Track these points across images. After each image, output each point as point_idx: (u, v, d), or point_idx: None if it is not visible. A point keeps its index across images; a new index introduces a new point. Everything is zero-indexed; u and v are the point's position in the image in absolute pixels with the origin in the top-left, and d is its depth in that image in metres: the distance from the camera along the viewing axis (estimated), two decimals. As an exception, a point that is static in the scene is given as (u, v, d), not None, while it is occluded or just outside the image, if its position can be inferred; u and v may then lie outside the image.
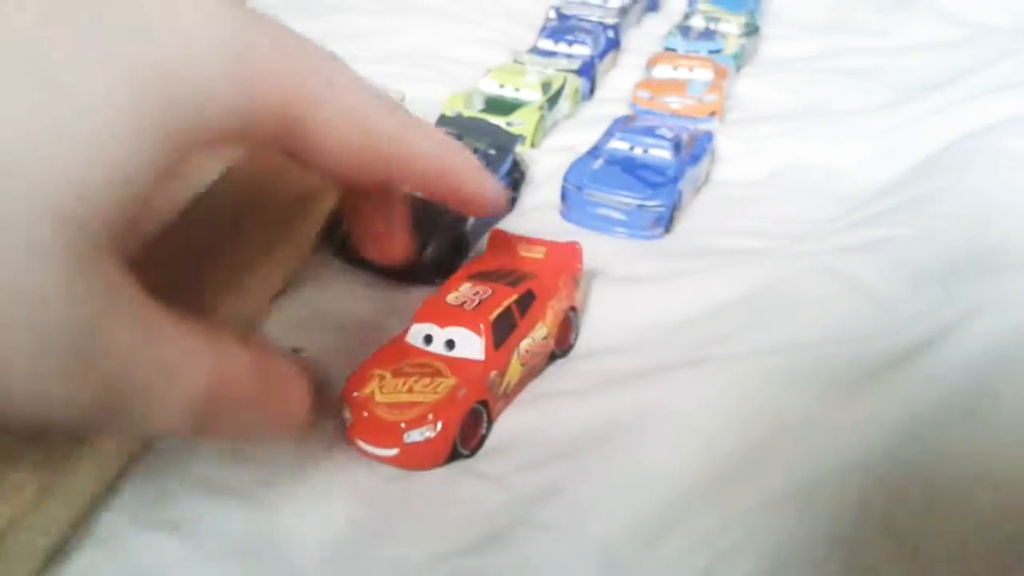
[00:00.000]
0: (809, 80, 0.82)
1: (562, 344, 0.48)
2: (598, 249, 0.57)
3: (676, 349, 0.47)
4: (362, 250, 0.42)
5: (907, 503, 0.37)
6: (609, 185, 0.58)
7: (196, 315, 0.30)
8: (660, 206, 0.57)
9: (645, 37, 0.91)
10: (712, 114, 0.71)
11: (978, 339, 0.46)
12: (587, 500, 0.39)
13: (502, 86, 0.72)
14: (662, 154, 0.61)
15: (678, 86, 0.74)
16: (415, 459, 0.40)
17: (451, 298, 0.45)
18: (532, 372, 0.46)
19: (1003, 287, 0.50)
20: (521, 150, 0.66)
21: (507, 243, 0.51)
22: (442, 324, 0.43)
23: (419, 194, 0.54)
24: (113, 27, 0.25)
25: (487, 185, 0.40)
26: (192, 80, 0.26)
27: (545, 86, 0.72)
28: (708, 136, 0.65)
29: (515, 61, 0.78)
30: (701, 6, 0.92)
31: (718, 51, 0.81)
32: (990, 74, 0.78)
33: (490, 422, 0.43)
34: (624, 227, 0.58)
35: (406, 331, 0.44)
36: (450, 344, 0.43)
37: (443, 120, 0.66)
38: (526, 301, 0.46)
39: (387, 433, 0.40)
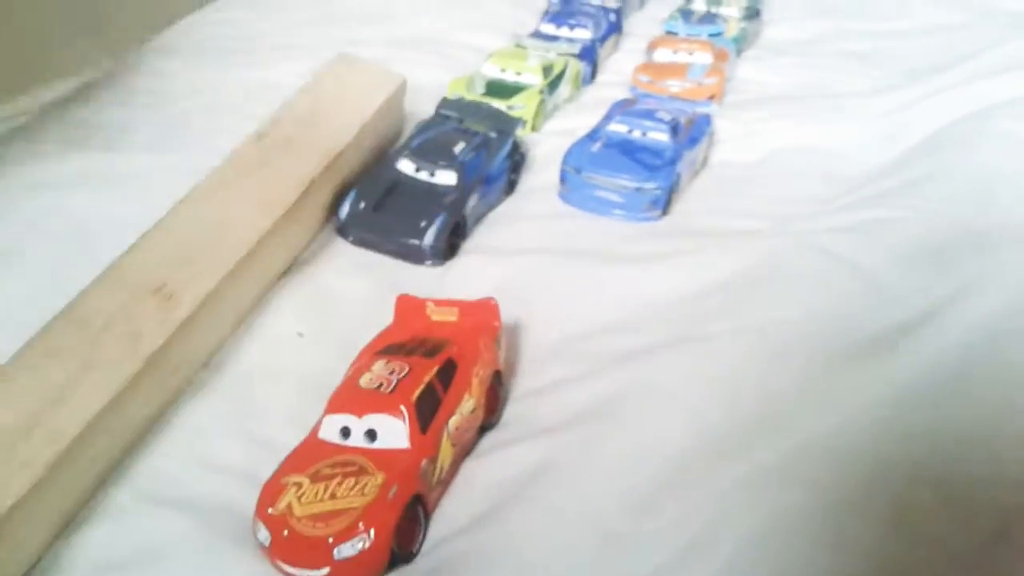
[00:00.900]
0: (809, 63, 0.82)
1: (491, 414, 0.44)
2: (596, 230, 0.58)
3: (668, 327, 0.48)
4: None
5: (892, 473, 0.38)
6: (607, 168, 0.59)
7: None
8: (657, 189, 0.58)
9: (647, 21, 0.92)
10: (711, 97, 0.72)
11: (973, 314, 0.47)
12: (580, 475, 0.40)
13: (503, 70, 0.73)
14: (660, 137, 0.61)
15: (678, 70, 0.75)
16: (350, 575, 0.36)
17: (364, 381, 0.40)
18: (464, 451, 0.42)
19: (1002, 264, 0.51)
20: (522, 133, 0.67)
21: (416, 308, 0.46)
22: (360, 413, 0.39)
23: (423, 176, 0.55)
24: None
25: None
26: None
27: (546, 70, 0.73)
28: (706, 119, 0.66)
29: (517, 45, 0.78)
30: (703, -11, 0.92)
31: (719, 34, 0.82)
32: (990, 57, 0.78)
33: (428, 518, 0.39)
34: (622, 209, 0.59)
35: (318, 426, 0.40)
36: (371, 435, 0.39)
37: (445, 103, 0.67)
38: (448, 372, 0.41)
39: (314, 551, 0.35)
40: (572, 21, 0.82)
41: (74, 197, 0.55)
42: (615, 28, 0.85)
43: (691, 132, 0.64)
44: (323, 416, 0.40)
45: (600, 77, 0.81)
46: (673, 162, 0.60)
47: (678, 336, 0.48)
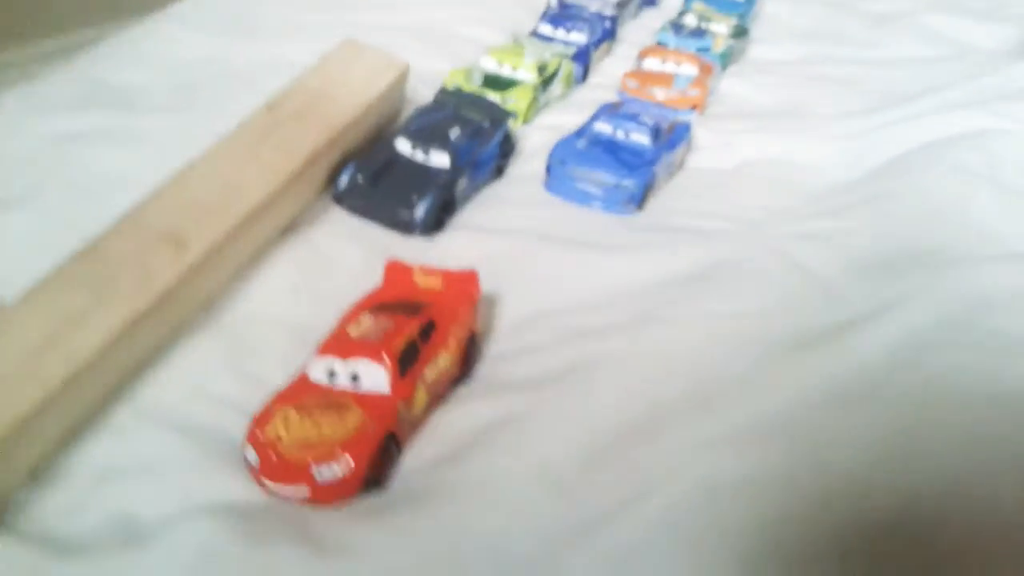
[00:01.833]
0: (790, 83, 0.87)
1: (464, 370, 0.49)
2: (575, 219, 0.63)
3: (633, 310, 0.53)
4: None
5: (815, 455, 0.43)
6: (590, 163, 0.64)
7: None
8: (634, 186, 0.63)
9: (641, 29, 0.96)
10: (694, 107, 0.77)
11: (905, 324, 0.52)
12: (537, 430, 0.44)
13: (501, 64, 0.77)
14: (641, 139, 0.66)
15: (665, 79, 0.79)
16: (327, 496, 0.40)
17: (353, 330, 0.45)
18: (437, 400, 0.47)
19: (939, 281, 0.56)
20: (514, 125, 0.72)
21: (404, 274, 0.50)
22: (345, 357, 0.43)
23: (419, 156, 0.60)
24: None
25: None
26: None
27: (541, 68, 0.77)
28: (686, 126, 0.71)
29: (515, 42, 0.83)
30: (695, 5, 0.97)
31: (707, 49, 0.86)
32: (954, 92, 0.83)
33: (400, 452, 0.43)
34: (601, 202, 0.63)
35: (308, 367, 0.44)
36: (355, 378, 0.43)
37: (444, 93, 0.71)
38: (428, 330, 0.46)
39: (296, 472, 0.40)
40: (569, 24, 0.87)
41: (93, 150, 0.59)
42: (609, 34, 0.90)
43: (671, 137, 0.68)
44: (312, 357, 0.44)
45: (592, 79, 0.85)
46: (651, 163, 0.64)
47: (642, 318, 0.52)
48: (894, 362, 0.49)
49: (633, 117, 0.68)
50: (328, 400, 0.42)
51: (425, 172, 0.62)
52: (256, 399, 0.43)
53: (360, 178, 0.61)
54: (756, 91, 0.85)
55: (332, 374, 0.43)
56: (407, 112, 0.69)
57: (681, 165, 0.71)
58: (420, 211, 0.59)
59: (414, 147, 0.63)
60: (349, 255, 0.56)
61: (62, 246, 0.47)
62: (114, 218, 0.49)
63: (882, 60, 0.97)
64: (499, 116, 0.69)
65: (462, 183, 0.62)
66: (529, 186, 0.66)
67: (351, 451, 0.40)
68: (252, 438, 0.41)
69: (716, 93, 0.84)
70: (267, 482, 0.40)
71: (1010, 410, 0.48)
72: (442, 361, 0.46)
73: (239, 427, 0.42)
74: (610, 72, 0.86)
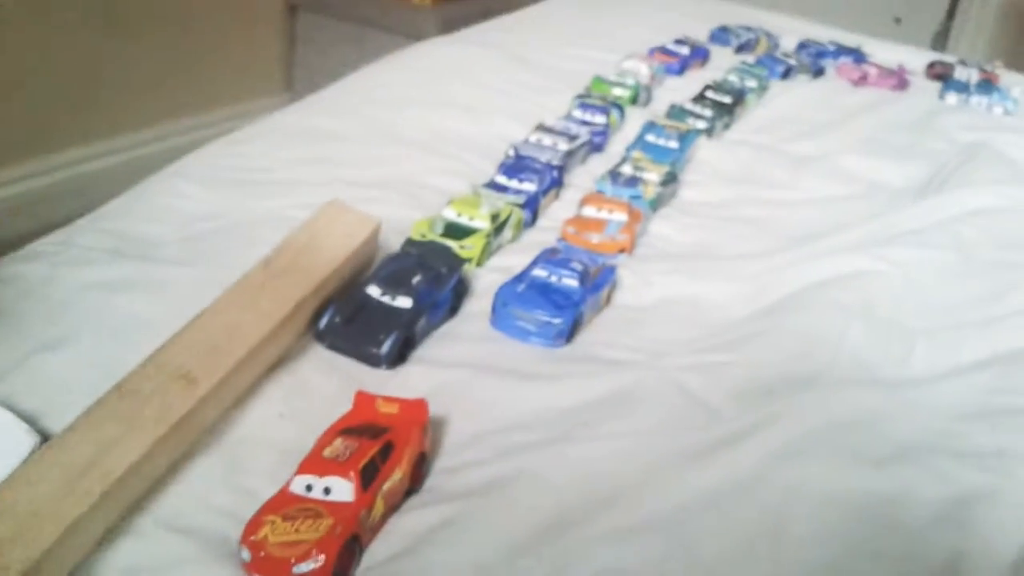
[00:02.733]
0: (709, 225, 1.01)
1: (415, 483, 0.61)
2: (514, 352, 0.76)
3: (556, 430, 0.66)
4: None
5: (694, 551, 0.56)
6: (527, 305, 0.77)
7: None
8: (563, 323, 0.76)
9: (587, 175, 1.11)
10: (622, 251, 0.91)
11: (771, 441, 0.65)
12: (470, 529, 0.57)
13: (459, 215, 0.91)
14: (571, 283, 0.80)
15: (599, 225, 0.94)
16: None
17: (327, 452, 0.57)
18: (392, 508, 0.59)
19: (803, 406, 0.69)
20: (468, 268, 0.86)
21: (369, 402, 0.63)
22: (320, 474, 0.55)
23: (380, 296, 0.73)
24: None
25: None
26: None
27: (494, 216, 0.92)
28: (611, 270, 0.85)
29: (474, 193, 0.97)
30: (634, 154, 1.12)
31: (638, 197, 1.01)
32: (850, 234, 0.98)
33: (361, 551, 0.55)
34: (536, 336, 0.77)
35: (290, 482, 0.56)
36: (327, 490, 0.55)
37: (409, 243, 0.85)
38: (386, 450, 0.58)
39: (280, 568, 0.51)
40: (521, 175, 1.01)
41: (119, 299, 0.72)
42: (556, 182, 1.04)
43: (597, 280, 0.82)
44: (294, 475, 0.57)
45: (540, 223, 0.99)
46: (578, 304, 0.78)
47: (560, 437, 0.65)
48: (760, 473, 0.62)
49: (565, 263, 0.82)
50: (305, 509, 0.54)
51: (391, 313, 0.75)
52: (249, 508, 0.55)
53: (337, 319, 0.74)
54: (680, 233, 0.99)
55: (309, 487, 0.56)
56: (379, 259, 0.83)
57: (608, 301, 0.84)
58: (386, 347, 0.72)
59: (383, 292, 0.76)
60: (327, 385, 0.69)
61: (96, 383, 0.60)
62: (138, 358, 0.62)
63: (796, 201, 1.11)
64: (455, 263, 0.83)
65: (422, 322, 0.76)
66: (478, 323, 0.79)
67: (323, 550, 0.52)
68: (245, 540, 0.53)
69: (646, 235, 0.98)
70: (255, 575, 0.52)
71: (859, 514, 0.61)
72: (397, 476, 0.58)
73: (235, 531, 0.54)
74: (556, 216, 0.99)
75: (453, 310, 0.81)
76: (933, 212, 1.02)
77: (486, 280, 0.85)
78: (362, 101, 1.21)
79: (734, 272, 0.90)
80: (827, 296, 0.84)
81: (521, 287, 0.80)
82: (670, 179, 1.07)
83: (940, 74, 1.64)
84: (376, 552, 0.56)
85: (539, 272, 0.81)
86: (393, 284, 0.77)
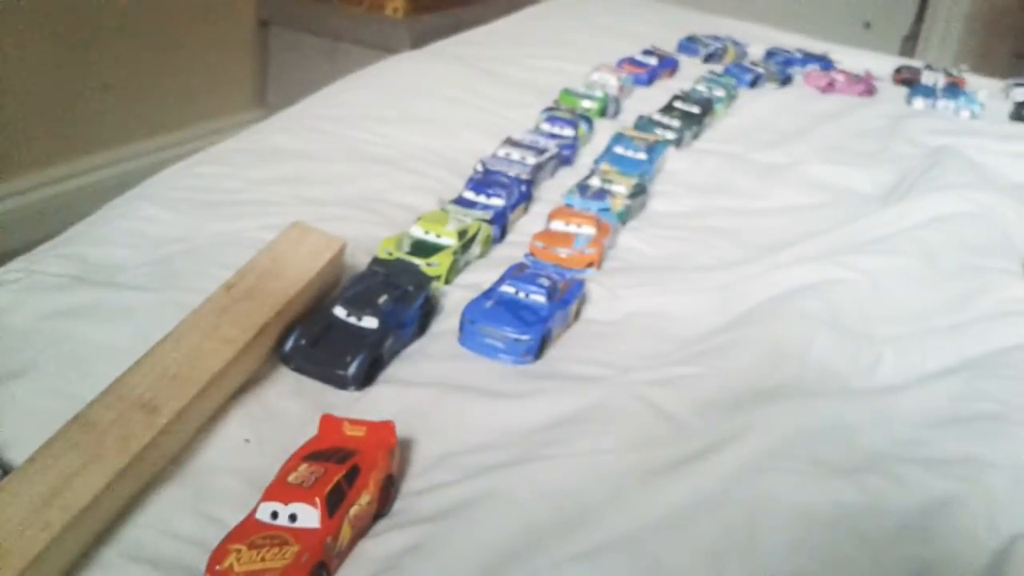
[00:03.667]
0: (678, 236, 1.02)
1: (383, 507, 0.61)
2: (482, 370, 0.76)
3: (522, 448, 0.66)
4: None
5: (663, 565, 0.56)
6: (495, 322, 0.77)
7: None
8: (531, 340, 0.76)
9: (556, 188, 1.10)
10: (590, 265, 0.91)
11: (738, 454, 0.65)
12: (437, 552, 0.56)
13: (427, 232, 0.91)
14: (538, 299, 0.80)
15: (567, 239, 0.94)
16: None
17: (292, 478, 0.57)
18: (360, 533, 0.58)
19: (769, 418, 0.69)
20: (436, 286, 0.85)
21: (336, 425, 0.63)
22: (285, 502, 0.54)
23: (346, 316, 0.73)
24: None
25: None
26: None
27: (461, 233, 0.91)
28: (579, 284, 0.85)
29: (441, 209, 0.97)
30: (602, 166, 1.13)
31: (606, 209, 1.01)
32: (819, 241, 0.98)
33: None
34: (504, 353, 0.77)
35: (255, 510, 0.56)
36: (292, 517, 0.55)
37: (376, 262, 0.85)
38: (352, 475, 0.58)
39: None
40: (489, 191, 1.01)
41: (83, 326, 0.71)
42: (525, 197, 1.04)
43: (565, 295, 0.82)
44: (259, 502, 0.56)
45: (509, 237, 0.99)
46: (545, 320, 0.78)
47: (527, 456, 0.65)
48: (728, 486, 0.62)
49: (532, 279, 0.82)
50: (271, 536, 0.54)
51: (358, 334, 0.75)
52: (215, 537, 0.55)
53: (303, 341, 0.74)
54: (648, 245, 1.00)
55: (275, 515, 0.55)
56: (346, 278, 0.83)
57: (577, 316, 0.84)
58: (352, 369, 0.72)
59: (348, 313, 0.76)
60: (292, 409, 0.69)
61: (59, 412, 0.59)
62: (100, 387, 0.61)
63: (764, 210, 1.12)
64: (422, 281, 0.82)
65: (389, 342, 0.75)
66: (446, 341, 0.79)
67: None
68: (211, 570, 0.52)
69: (615, 248, 0.98)
70: None
71: (829, 525, 0.61)
72: (364, 500, 0.58)
73: (201, 560, 0.53)
74: (525, 230, 0.99)
75: (421, 329, 0.81)
76: (899, 219, 1.02)
77: (454, 297, 0.85)
78: (330, 119, 1.20)
79: (702, 284, 0.90)
80: (794, 306, 0.84)
81: (489, 304, 0.80)
82: (639, 191, 1.08)
83: (907, 79, 1.66)
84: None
85: (506, 288, 0.81)
86: (359, 304, 0.76)
